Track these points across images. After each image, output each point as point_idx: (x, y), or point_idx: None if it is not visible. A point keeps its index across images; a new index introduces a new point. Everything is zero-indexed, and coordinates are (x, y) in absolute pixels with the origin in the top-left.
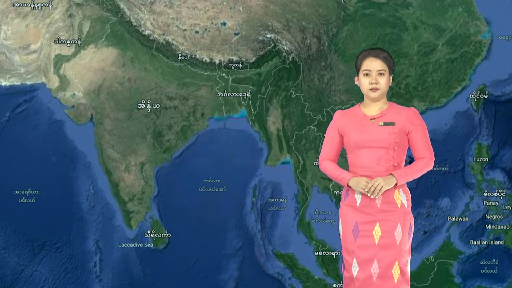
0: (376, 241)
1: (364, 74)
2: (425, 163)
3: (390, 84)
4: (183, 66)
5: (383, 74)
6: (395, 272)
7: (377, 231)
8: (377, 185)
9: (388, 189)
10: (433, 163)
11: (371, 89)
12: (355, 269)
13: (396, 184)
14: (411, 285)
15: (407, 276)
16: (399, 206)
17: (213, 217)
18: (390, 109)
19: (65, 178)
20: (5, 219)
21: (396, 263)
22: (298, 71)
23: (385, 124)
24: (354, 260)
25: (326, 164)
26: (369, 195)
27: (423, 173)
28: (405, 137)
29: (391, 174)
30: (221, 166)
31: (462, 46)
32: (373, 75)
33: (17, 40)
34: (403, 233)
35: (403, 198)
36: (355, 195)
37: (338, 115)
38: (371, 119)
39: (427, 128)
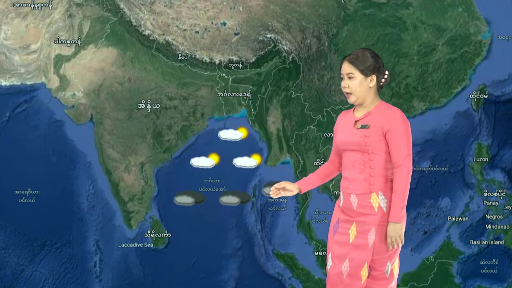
0: (351, 240)
1: (341, 78)
2: (403, 177)
3: (371, 86)
4: (183, 66)
5: (352, 78)
6: (364, 273)
7: (353, 230)
8: (395, 240)
9: (364, 193)
10: (410, 168)
11: (345, 94)
12: (329, 264)
13: (399, 221)
14: (411, 285)
15: (384, 276)
16: (376, 210)
17: (213, 217)
18: (375, 110)
19: (65, 178)
20: (5, 219)
21: (366, 265)
22: (298, 71)
23: (362, 126)
24: (330, 254)
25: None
26: (398, 246)
27: (409, 181)
28: (383, 140)
29: (389, 221)
30: (221, 166)
31: (462, 46)
32: (345, 78)
33: (17, 40)
34: (376, 237)
35: (382, 202)
36: (341, 196)
37: (339, 116)
38: (355, 121)
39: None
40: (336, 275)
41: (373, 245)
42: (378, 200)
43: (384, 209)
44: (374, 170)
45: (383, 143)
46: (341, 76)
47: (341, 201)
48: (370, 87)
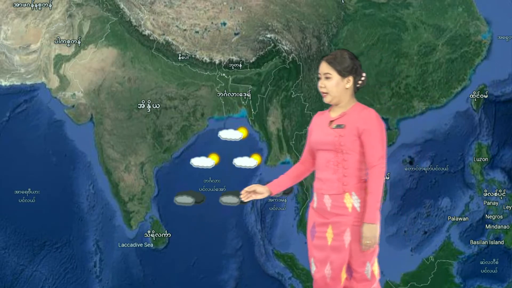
0: (329, 243)
1: (318, 78)
2: (378, 178)
3: (348, 87)
4: (183, 66)
5: (329, 78)
6: (342, 275)
7: (329, 233)
8: (369, 244)
9: (337, 193)
10: (384, 169)
11: (321, 93)
12: (313, 268)
13: (374, 223)
14: (411, 285)
15: (364, 277)
16: (349, 210)
17: (213, 217)
18: (351, 111)
19: (65, 178)
20: (5, 219)
21: (344, 266)
22: (298, 71)
23: (337, 126)
24: (312, 259)
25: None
26: (373, 248)
27: (383, 182)
28: (357, 140)
29: (364, 223)
30: (221, 166)
31: (462, 46)
32: (322, 78)
33: (17, 40)
34: (351, 237)
35: (355, 202)
36: (314, 197)
37: (314, 117)
38: (330, 121)
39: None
40: (321, 279)
41: (349, 246)
42: (351, 201)
43: (358, 209)
44: (348, 171)
45: (357, 143)
46: (319, 76)
47: (314, 203)
48: (347, 88)
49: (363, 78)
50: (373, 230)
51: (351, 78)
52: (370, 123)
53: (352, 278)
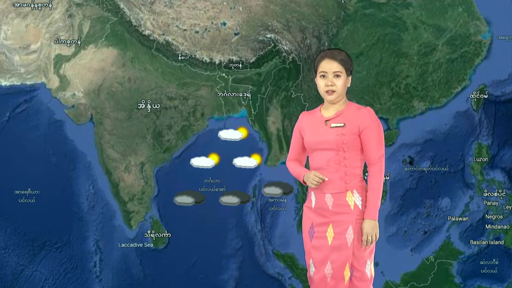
0: (329, 242)
1: (320, 76)
2: (378, 175)
3: (349, 85)
4: (183, 66)
5: (339, 76)
6: (346, 273)
7: (330, 232)
8: (371, 237)
9: (339, 192)
10: (383, 167)
11: (327, 92)
12: (312, 270)
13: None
14: (411, 285)
15: (365, 277)
16: (352, 208)
17: (213, 217)
18: (346, 109)
19: (65, 178)
20: (5, 219)
21: (347, 264)
22: (298, 71)
23: (336, 125)
24: (311, 260)
25: (290, 164)
26: (365, 246)
27: (383, 179)
28: (357, 138)
29: (364, 218)
30: (221, 166)
31: (462, 46)
32: (329, 77)
33: (17, 40)
34: (354, 235)
35: (357, 200)
36: (311, 197)
37: (301, 116)
38: (326, 120)
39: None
40: (320, 280)
41: (352, 244)
42: (353, 198)
43: (360, 207)
44: (349, 169)
45: (358, 141)
46: (322, 74)
47: (312, 202)
48: (347, 87)
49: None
50: (374, 227)
51: (350, 77)
52: (371, 121)
53: (353, 278)
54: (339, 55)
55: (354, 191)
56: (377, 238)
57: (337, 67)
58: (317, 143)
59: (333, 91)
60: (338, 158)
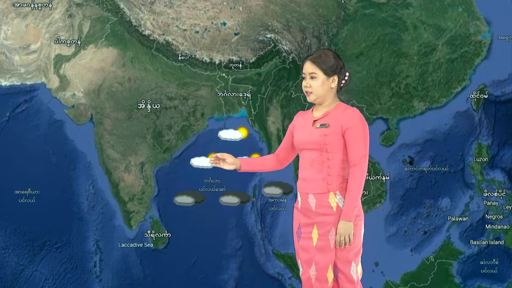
0: (314, 244)
1: (303, 78)
2: (358, 176)
3: (333, 87)
4: (183, 66)
5: (315, 77)
6: (329, 275)
7: (315, 233)
8: (343, 238)
9: (322, 192)
10: (365, 168)
11: (306, 93)
12: (300, 270)
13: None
14: (411, 285)
15: (351, 278)
16: (334, 209)
17: (213, 217)
18: (334, 110)
19: (65, 178)
20: (5, 219)
21: (330, 266)
22: (298, 71)
23: (321, 125)
24: (299, 261)
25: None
26: (341, 247)
27: (363, 181)
28: (341, 139)
29: (340, 219)
30: None
31: (462, 46)
32: (306, 78)
33: (17, 40)
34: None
35: (339, 201)
36: (298, 197)
37: (296, 115)
38: (314, 120)
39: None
40: (306, 281)
41: (335, 245)
42: (336, 200)
43: (342, 208)
44: (332, 170)
45: (341, 142)
46: (303, 75)
47: (299, 203)
48: (332, 88)
49: (346, 78)
50: (348, 228)
51: (336, 78)
52: (354, 122)
53: (338, 279)
54: (314, 56)
55: (337, 192)
56: (351, 240)
57: (311, 68)
58: (302, 143)
59: (310, 93)
60: (322, 159)
